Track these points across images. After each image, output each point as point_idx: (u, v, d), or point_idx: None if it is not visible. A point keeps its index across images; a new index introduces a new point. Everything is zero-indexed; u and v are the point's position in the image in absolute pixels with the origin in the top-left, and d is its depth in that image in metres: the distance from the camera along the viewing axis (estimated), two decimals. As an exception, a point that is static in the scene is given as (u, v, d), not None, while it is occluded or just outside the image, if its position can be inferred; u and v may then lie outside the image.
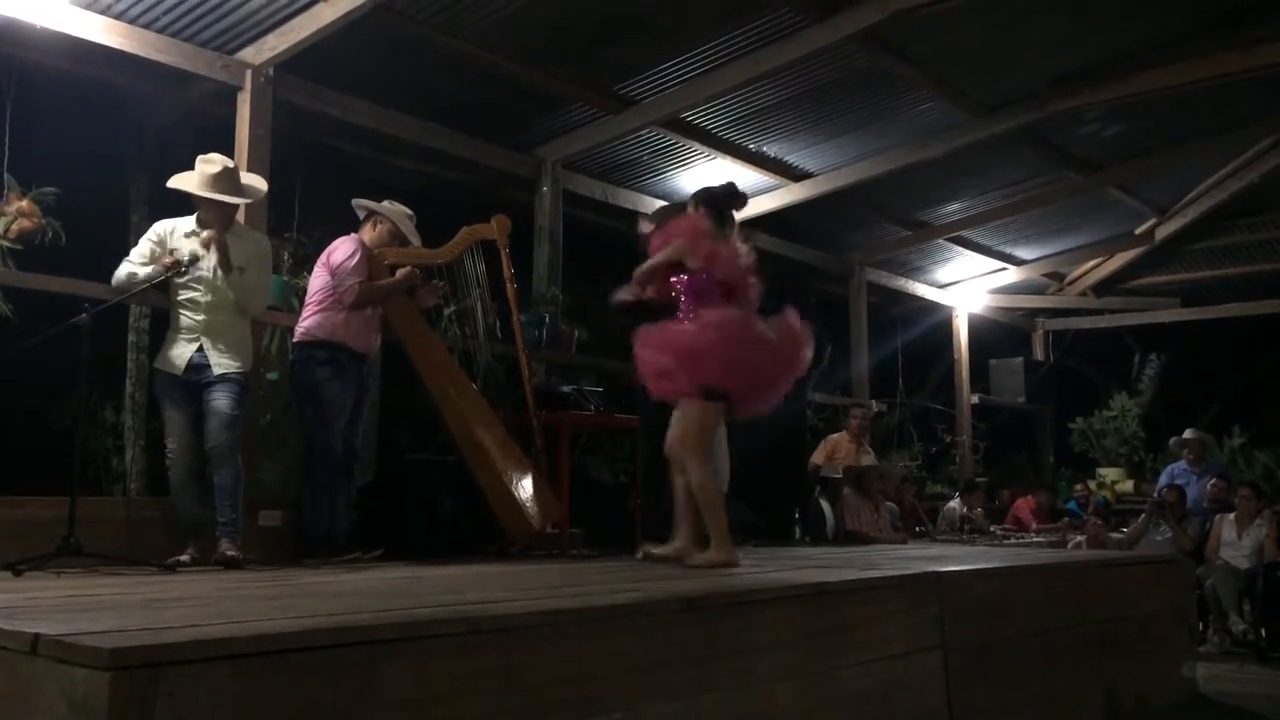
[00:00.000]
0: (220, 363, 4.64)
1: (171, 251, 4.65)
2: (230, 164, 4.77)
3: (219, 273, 4.66)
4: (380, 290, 5.22)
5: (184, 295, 4.68)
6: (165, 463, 4.72)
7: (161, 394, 4.73)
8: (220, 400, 4.60)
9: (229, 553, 4.47)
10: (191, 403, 4.65)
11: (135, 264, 4.68)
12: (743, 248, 4.53)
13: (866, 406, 9.21)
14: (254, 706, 1.90)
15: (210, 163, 4.72)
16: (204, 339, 4.64)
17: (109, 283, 4.72)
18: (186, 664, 1.83)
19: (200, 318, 4.65)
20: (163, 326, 4.85)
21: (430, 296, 5.50)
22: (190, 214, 4.77)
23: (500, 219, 5.57)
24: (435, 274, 5.52)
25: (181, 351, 4.64)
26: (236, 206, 4.83)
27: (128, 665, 1.77)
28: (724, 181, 4.83)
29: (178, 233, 4.74)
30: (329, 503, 5.03)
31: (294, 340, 5.21)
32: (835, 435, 8.60)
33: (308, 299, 5.20)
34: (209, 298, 4.66)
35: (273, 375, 5.61)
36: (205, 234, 4.68)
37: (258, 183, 5.05)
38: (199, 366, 4.63)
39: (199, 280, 4.66)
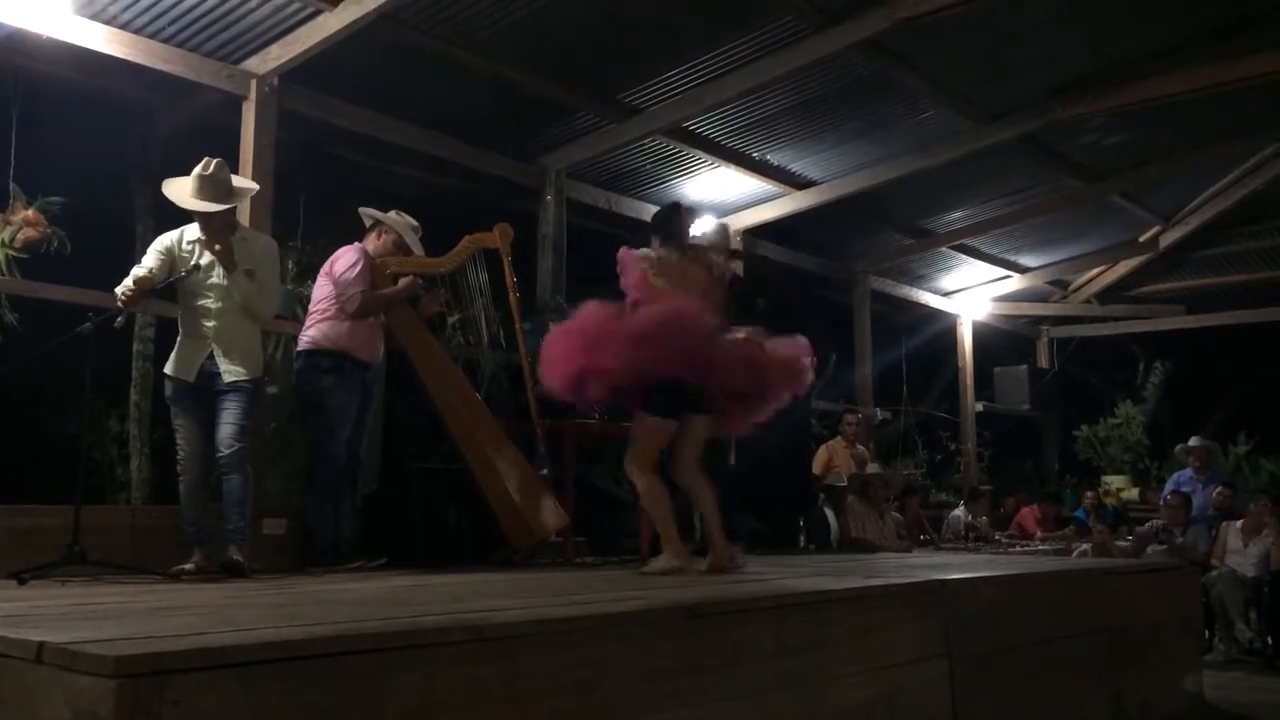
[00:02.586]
0: (230, 370, 4.63)
1: (186, 269, 4.62)
2: (207, 171, 4.59)
3: (228, 278, 4.66)
4: (383, 299, 5.22)
5: (196, 302, 4.67)
6: (176, 469, 4.70)
7: (172, 401, 4.72)
8: (231, 409, 4.60)
9: (235, 557, 4.48)
10: (202, 410, 4.64)
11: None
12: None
13: (859, 411, 9.22)
14: (259, 714, 1.89)
15: (198, 169, 4.63)
16: (214, 346, 4.63)
17: (114, 292, 4.72)
18: (192, 672, 1.83)
19: (211, 324, 4.64)
20: (168, 335, 4.85)
21: (432, 304, 5.50)
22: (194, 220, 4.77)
23: (503, 227, 5.57)
24: (439, 283, 5.52)
25: (192, 359, 4.63)
26: (228, 211, 4.74)
27: (133, 673, 1.76)
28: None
29: (184, 239, 4.72)
30: (333, 511, 5.03)
31: (298, 349, 5.22)
32: (831, 442, 8.60)
33: (311, 308, 5.21)
34: (220, 304, 4.65)
35: (273, 389, 5.60)
36: (212, 250, 4.65)
37: (246, 183, 4.99)
38: (210, 374, 4.63)
39: (210, 287, 4.64)
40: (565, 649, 2.43)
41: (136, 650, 1.85)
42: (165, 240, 4.72)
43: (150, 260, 4.65)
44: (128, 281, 4.48)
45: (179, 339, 4.72)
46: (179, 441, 4.67)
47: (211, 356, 4.62)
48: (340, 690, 2.01)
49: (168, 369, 4.72)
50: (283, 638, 2.07)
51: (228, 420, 4.59)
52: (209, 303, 4.64)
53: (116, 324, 4.46)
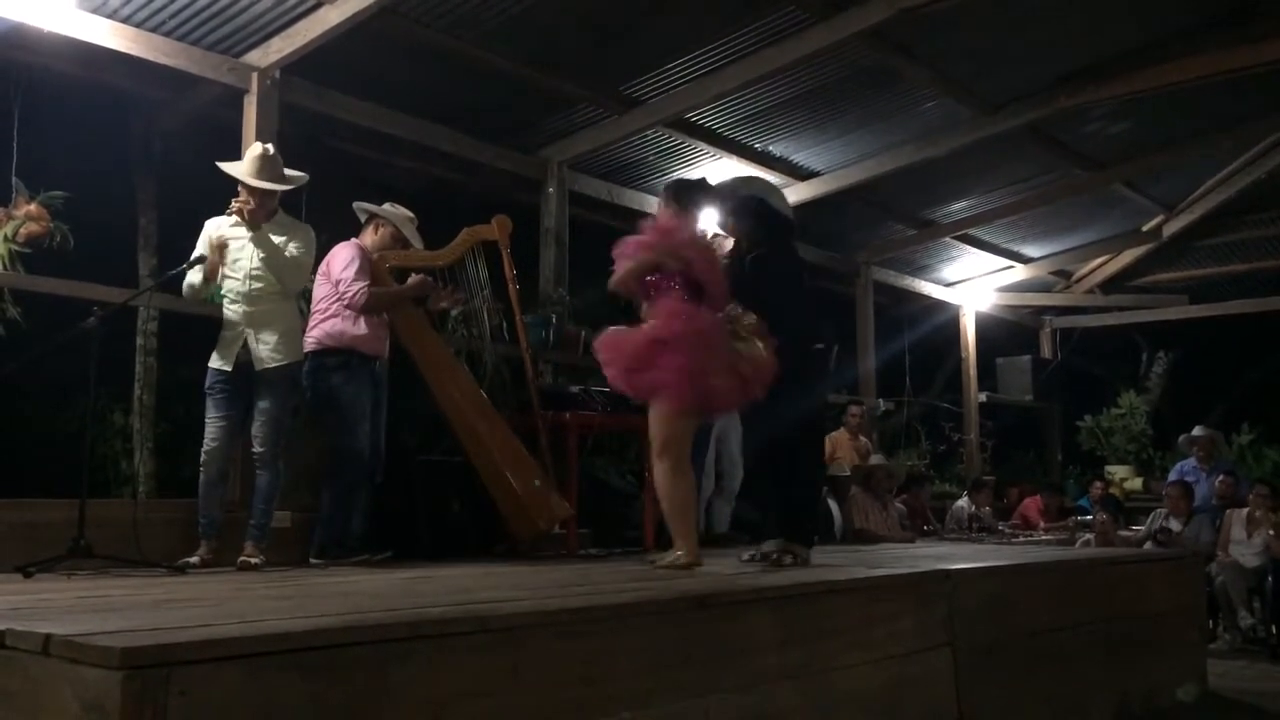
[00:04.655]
0: (264, 356, 4.64)
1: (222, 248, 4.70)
2: (270, 153, 4.76)
3: (255, 258, 4.66)
4: (390, 296, 5.21)
5: (226, 287, 4.72)
6: (200, 459, 4.68)
7: (209, 392, 4.71)
8: (267, 405, 4.63)
9: (252, 560, 4.51)
10: (235, 406, 4.65)
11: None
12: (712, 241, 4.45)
13: (863, 403, 9.22)
14: (266, 706, 1.90)
15: (253, 149, 4.80)
16: (248, 330, 4.65)
17: (118, 286, 4.73)
18: (198, 664, 1.84)
19: (243, 308, 4.67)
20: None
21: (441, 301, 5.48)
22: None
23: (501, 219, 5.56)
24: (439, 276, 5.51)
25: (230, 347, 4.66)
26: (275, 193, 4.79)
27: (139, 665, 1.77)
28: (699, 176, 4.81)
29: (223, 225, 4.77)
30: (352, 506, 5.03)
31: (304, 350, 5.19)
32: (834, 433, 8.60)
33: (313, 308, 5.17)
34: (247, 286, 4.67)
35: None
36: (237, 202, 4.67)
37: (295, 173, 4.99)
38: (247, 363, 4.64)
39: (236, 268, 4.68)
40: (570, 640, 2.44)
41: (143, 642, 1.85)
42: (208, 225, 4.80)
43: (199, 247, 4.74)
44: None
45: (219, 334, 4.75)
46: (207, 434, 4.67)
47: (246, 343, 4.64)
48: (346, 681, 2.02)
49: (210, 360, 4.74)
50: (288, 629, 2.08)
51: (263, 418, 4.63)
52: (237, 284, 4.68)
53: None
